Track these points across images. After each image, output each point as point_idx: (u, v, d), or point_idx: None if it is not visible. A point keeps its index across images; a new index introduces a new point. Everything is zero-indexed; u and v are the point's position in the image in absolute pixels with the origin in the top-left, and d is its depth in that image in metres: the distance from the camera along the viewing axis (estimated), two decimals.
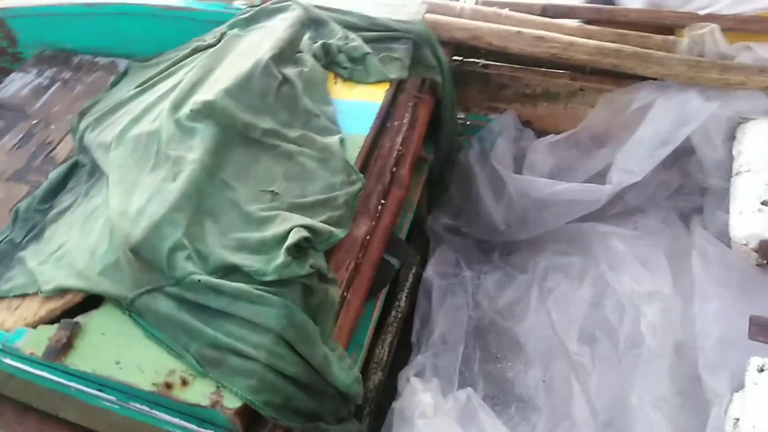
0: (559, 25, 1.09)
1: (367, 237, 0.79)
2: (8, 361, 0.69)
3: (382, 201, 0.84)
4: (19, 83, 1.14)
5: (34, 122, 1.06)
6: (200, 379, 0.62)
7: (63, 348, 0.65)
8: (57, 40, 1.19)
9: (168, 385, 0.61)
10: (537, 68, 1.12)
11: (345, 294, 0.73)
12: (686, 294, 0.86)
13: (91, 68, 1.15)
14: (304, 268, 0.67)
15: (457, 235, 1.07)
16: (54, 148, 1.01)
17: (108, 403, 0.66)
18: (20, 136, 1.04)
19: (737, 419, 0.67)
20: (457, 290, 0.96)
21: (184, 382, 0.61)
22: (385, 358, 0.98)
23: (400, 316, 1.03)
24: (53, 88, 1.12)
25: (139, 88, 0.97)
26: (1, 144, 1.03)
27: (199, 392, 0.61)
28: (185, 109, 0.83)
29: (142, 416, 0.65)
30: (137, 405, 0.65)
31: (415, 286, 1.08)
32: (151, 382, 0.62)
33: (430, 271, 0.99)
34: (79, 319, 0.67)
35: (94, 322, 0.67)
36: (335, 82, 0.96)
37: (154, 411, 0.64)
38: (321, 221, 0.74)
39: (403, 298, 1.05)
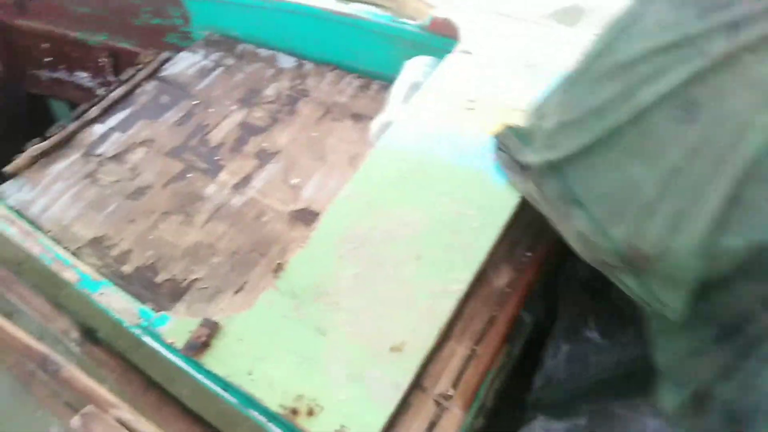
0: None
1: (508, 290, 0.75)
2: (147, 339, 0.72)
3: (527, 253, 0.79)
4: (186, 62, 1.20)
5: (195, 102, 1.12)
6: (327, 412, 0.61)
7: (201, 345, 0.67)
8: (225, 26, 1.23)
9: (294, 411, 0.61)
10: None
11: (475, 348, 0.70)
12: None
13: (253, 58, 1.19)
14: None
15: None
16: (209, 132, 1.06)
17: (225, 399, 0.68)
18: (182, 114, 1.10)
19: None
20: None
21: (311, 412, 0.61)
22: (489, 404, 0.94)
23: (512, 363, 0.98)
24: (216, 72, 1.17)
25: None
26: (165, 118, 1.09)
27: (324, 425, 0.60)
28: None
29: (257, 421, 0.65)
30: (256, 414, 0.66)
31: (532, 335, 1.03)
32: (279, 403, 0.62)
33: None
34: (220, 319, 0.69)
35: (233, 325, 0.69)
36: None
37: (270, 424, 0.65)
38: None
39: (518, 345, 1.00)
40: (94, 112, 1.11)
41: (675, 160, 0.48)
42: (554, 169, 0.56)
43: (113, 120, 1.10)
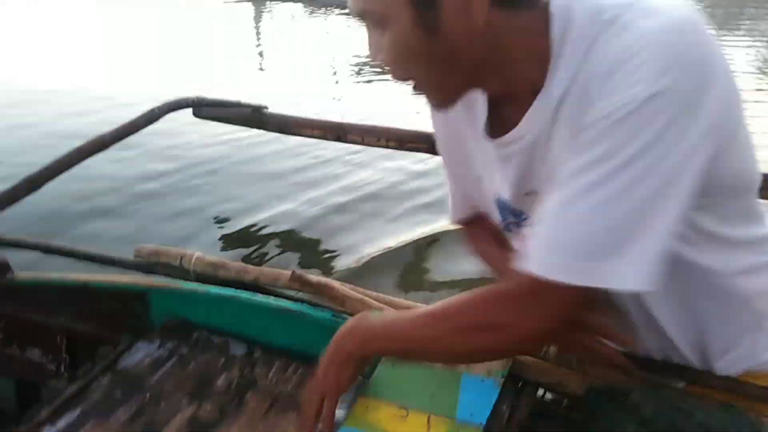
0: None
1: None
2: None
3: None
4: (142, 353, 1.28)
5: (147, 397, 1.17)
6: None
7: None
8: (183, 313, 1.35)
9: None
10: None
11: None
12: None
13: (206, 346, 1.29)
14: None
15: None
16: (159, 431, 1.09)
17: None
18: (133, 411, 1.14)
19: None
20: None
21: None
22: None
23: None
24: (170, 363, 1.25)
25: None
26: (116, 417, 1.13)
27: None
28: None
29: None
30: None
31: None
32: None
33: None
34: None
35: None
36: None
37: None
38: None
39: None
40: (44, 413, 1.14)
41: None
42: None
43: (63, 421, 1.13)
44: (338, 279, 1.29)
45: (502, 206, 0.82)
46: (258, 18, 11.95)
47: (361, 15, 0.64)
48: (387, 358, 0.97)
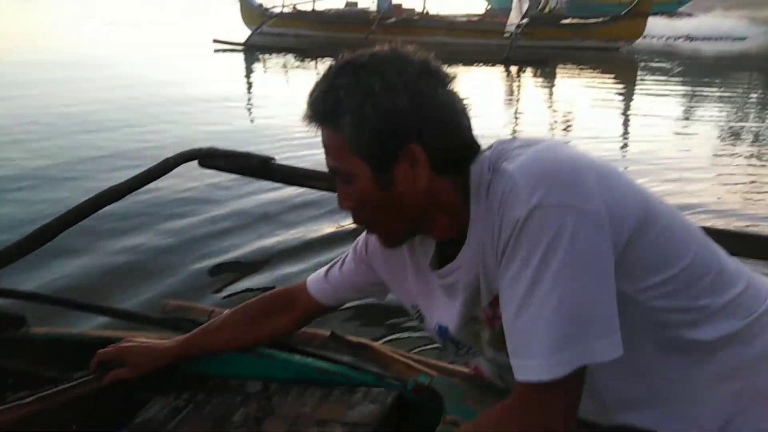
0: None
1: None
2: None
3: None
4: (159, 405, 1.22)
5: None
6: None
7: None
8: (216, 373, 1.31)
9: None
10: None
11: None
12: None
13: (222, 389, 1.24)
14: None
15: None
16: None
17: None
18: None
19: None
20: None
21: None
22: None
23: None
24: (186, 410, 1.20)
25: None
26: None
27: None
28: None
29: None
30: None
31: None
32: None
33: None
34: None
35: None
36: None
37: None
38: None
39: None
40: None
41: None
42: None
43: None
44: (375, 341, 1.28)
45: (443, 334, 0.93)
46: (249, 67, 12.19)
47: (335, 171, 0.81)
48: (447, 423, 0.95)
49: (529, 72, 12.44)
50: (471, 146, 0.80)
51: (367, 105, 0.73)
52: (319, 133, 0.80)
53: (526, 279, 0.67)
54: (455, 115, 0.78)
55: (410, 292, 0.95)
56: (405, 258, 0.93)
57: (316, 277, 1.08)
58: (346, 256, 1.05)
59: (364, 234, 0.99)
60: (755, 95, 10.67)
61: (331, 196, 3.78)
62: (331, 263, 1.08)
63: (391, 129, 0.74)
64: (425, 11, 17.51)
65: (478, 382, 1.04)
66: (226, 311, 1.24)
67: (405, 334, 2.50)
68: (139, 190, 2.22)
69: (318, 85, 0.78)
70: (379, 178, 0.77)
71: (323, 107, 0.77)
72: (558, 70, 12.95)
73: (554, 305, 0.66)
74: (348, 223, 3.70)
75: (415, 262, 0.93)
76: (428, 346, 2.38)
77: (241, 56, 13.22)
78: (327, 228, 3.62)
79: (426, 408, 1.08)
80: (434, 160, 0.76)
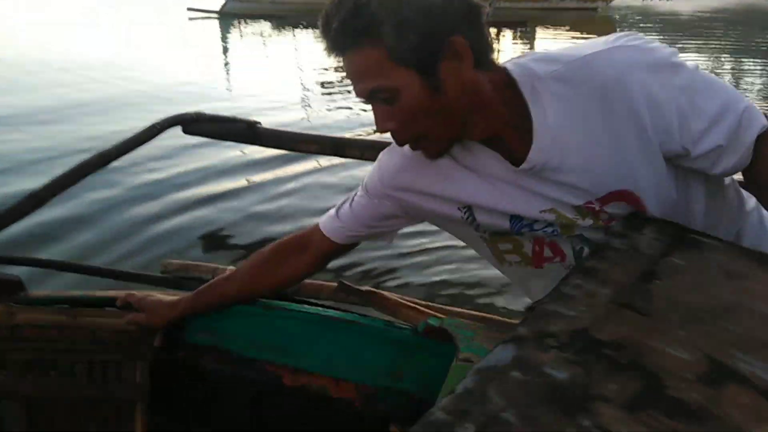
0: None
1: None
2: None
3: None
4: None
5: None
6: None
7: None
8: (220, 329, 1.31)
9: None
10: None
11: None
12: None
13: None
14: None
15: None
16: None
17: None
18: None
19: None
20: None
21: None
22: None
23: None
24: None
25: None
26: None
27: None
28: None
29: None
30: None
31: None
32: None
33: None
34: None
35: None
36: None
37: None
38: None
39: None
40: None
41: None
42: None
43: None
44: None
45: (516, 222, 0.92)
46: (225, 35, 11.88)
47: (373, 94, 0.78)
48: (461, 360, 0.97)
49: (508, 34, 12.35)
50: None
51: (404, 7, 0.73)
52: (342, 61, 0.77)
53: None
54: (480, 6, 0.78)
55: (454, 198, 0.92)
56: (442, 168, 0.91)
57: (327, 218, 1.06)
58: (355, 195, 1.03)
59: (376, 168, 0.97)
60: (730, 45, 10.77)
61: (318, 158, 3.80)
62: (341, 202, 1.05)
63: (432, 25, 0.74)
64: None
65: (488, 322, 1.06)
66: (237, 264, 1.23)
67: (414, 280, 2.53)
68: (126, 157, 2.17)
69: (339, 8, 0.74)
70: (428, 83, 0.76)
71: (356, 25, 0.74)
72: (537, 32, 12.86)
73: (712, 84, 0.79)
74: (335, 180, 3.71)
75: (460, 165, 0.90)
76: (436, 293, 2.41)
77: (216, 23, 12.87)
78: (317, 189, 3.62)
79: (437, 350, 1.10)
80: (475, 52, 0.77)
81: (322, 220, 1.05)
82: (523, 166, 0.83)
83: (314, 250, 1.07)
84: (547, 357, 0.57)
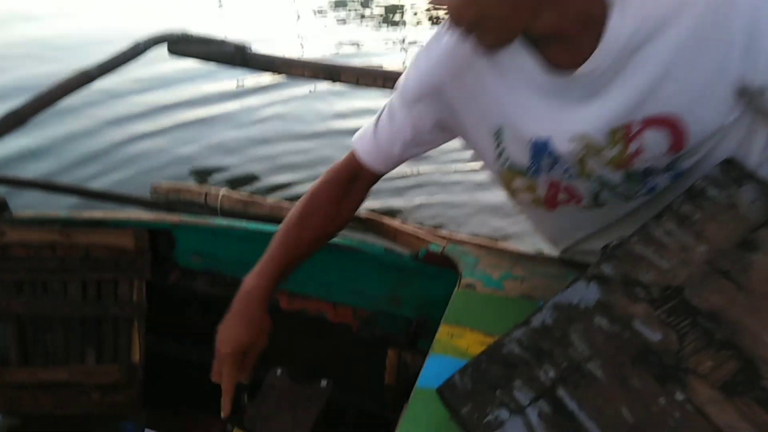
0: None
1: None
2: None
3: None
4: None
5: None
6: None
7: None
8: (213, 251, 1.29)
9: None
10: None
11: None
12: None
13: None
14: None
15: None
16: None
17: None
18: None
19: None
20: None
21: None
22: None
23: None
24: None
25: None
26: None
27: None
28: None
29: None
30: None
31: None
32: None
33: None
34: None
35: None
36: None
37: None
38: None
39: None
40: None
41: None
42: None
43: None
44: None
45: (539, 149, 0.83)
46: None
47: None
48: (464, 286, 0.96)
49: None
50: None
51: None
52: None
53: None
54: None
55: (490, 111, 0.85)
56: (480, 75, 0.83)
57: (366, 146, 0.94)
58: (385, 113, 0.92)
59: (412, 69, 0.85)
60: None
61: (310, 84, 3.68)
62: (371, 126, 0.93)
63: None
64: None
65: (492, 249, 1.04)
66: (282, 201, 1.12)
67: (414, 206, 2.49)
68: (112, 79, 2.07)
69: None
70: None
71: None
72: None
73: None
74: (326, 107, 3.62)
75: (499, 74, 0.82)
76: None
77: None
78: (310, 115, 3.53)
79: (438, 276, 1.09)
80: None
81: (363, 151, 0.95)
82: (583, 68, 0.73)
83: (363, 183, 0.97)
84: (636, 309, 0.53)
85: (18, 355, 1.27)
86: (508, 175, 0.90)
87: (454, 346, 0.88)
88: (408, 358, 1.18)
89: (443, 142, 0.96)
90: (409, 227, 1.17)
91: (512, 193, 0.93)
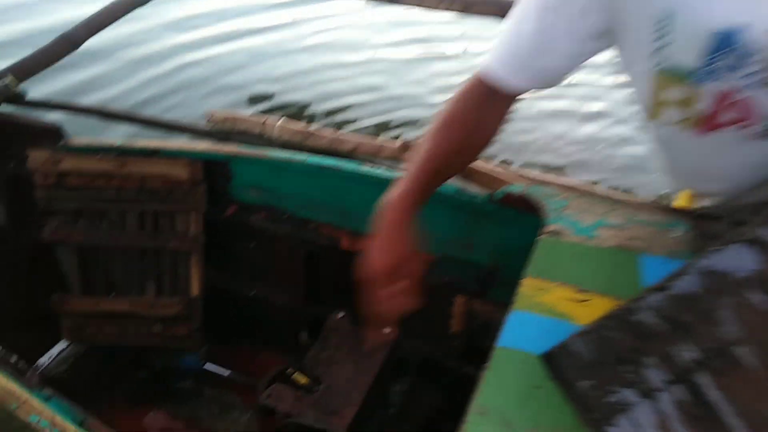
0: None
1: None
2: None
3: None
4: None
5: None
6: None
7: None
8: (271, 185, 1.22)
9: None
10: None
11: None
12: None
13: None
14: None
15: None
16: None
17: None
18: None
19: None
20: None
21: None
22: None
23: None
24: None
25: None
26: None
27: None
28: None
29: None
30: None
31: None
32: None
33: None
34: None
35: None
36: None
37: None
38: None
39: None
40: None
41: None
42: None
43: None
44: None
45: (724, 42, 0.64)
46: None
47: None
48: (548, 233, 0.85)
49: None
50: None
51: None
52: None
53: None
54: None
55: None
56: None
57: (503, 60, 0.78)
58: (524, 23, 0.74)
59: None
60: None
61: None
62: (504, 39, 0.77)
63: None
64: None
65: (584, 192, 0.92)
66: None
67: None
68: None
69: None
70: None
71: None
72: None
73: None
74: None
75: None
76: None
77: None
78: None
79: (516, 220, 0.98)
80: None
81: (498, 65, 0.78)
82: None
83: (503, 102, 0.82)
84: None
85: (80, 284, 1.27)
86: (660, 82, 0.72)
87: (539, 302, 0.78)
88: (477, 306, 1.10)
89: (598, 52, 0.76)
90: (486, 165, 1.05)
91: (656, 108, 0.75)
